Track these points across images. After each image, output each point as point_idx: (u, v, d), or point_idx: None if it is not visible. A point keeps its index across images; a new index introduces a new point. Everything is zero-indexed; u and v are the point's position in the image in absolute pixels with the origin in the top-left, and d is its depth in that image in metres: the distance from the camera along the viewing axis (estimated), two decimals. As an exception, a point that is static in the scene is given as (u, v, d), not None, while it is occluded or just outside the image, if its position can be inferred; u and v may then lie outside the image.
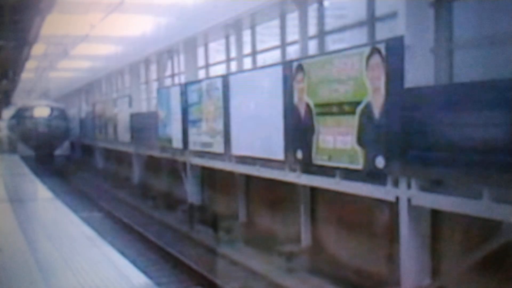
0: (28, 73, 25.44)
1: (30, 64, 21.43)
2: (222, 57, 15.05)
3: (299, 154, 8.76)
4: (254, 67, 12.71)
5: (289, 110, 9.02)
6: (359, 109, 7.34)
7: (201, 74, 16.12)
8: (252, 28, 13.12)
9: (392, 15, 7.86)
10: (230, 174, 12.36)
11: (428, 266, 7.04)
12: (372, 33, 8.84)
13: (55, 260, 6.64)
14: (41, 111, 29.38)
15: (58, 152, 28.87)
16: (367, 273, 8.43)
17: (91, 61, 26.60)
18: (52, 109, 29.91)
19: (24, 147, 28.17)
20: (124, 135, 20.22)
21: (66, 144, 29.46)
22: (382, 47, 6.98)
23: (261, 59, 12.95)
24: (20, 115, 29.58)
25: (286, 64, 9.32)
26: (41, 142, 28.28)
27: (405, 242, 6.99)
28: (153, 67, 20.53)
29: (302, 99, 8.66)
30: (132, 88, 22.07)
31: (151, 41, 17.65)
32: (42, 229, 8.52)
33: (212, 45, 16.00)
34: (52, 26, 15.12)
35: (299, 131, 8.76)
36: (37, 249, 7.13)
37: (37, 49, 17.79)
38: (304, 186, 9.69)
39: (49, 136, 28.70)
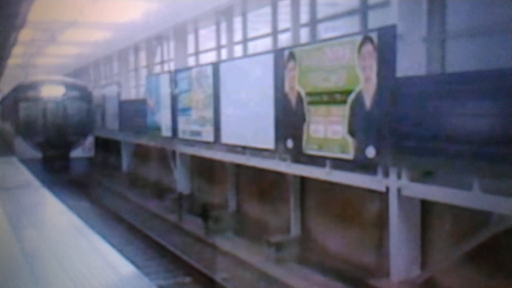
0: (15, 59, 25.05)
1: (17, 50, 21.13)
2: (213, 44, 14.89)
3: (290, 144, 8.69)
4: (245, 55, 12.58)
5: (280, 98, 8.93)
6: (350, 98, 7.27)
7: (191, 61, 15.96)
8: (243, 15, 12.96)
9: (385, 4, 7.78)
10: (220, 163, 12.27)
11: (417, 257, 7.03)
12: (364, 22, 8.75)
13: (38, 244, 6.54)
14: (52, 90, 18.83)
15: (76, 153, 18.69)
16: (357, 263, 8.42)
17: (79, 47, 26.27)
18: (68, 86, 19.14)
19: (25, 146, 18.16)
20: (113, 123, 20.05)
21: (90, 140, 19.03)
22: (374, 35, 6.90)
23: (252, 46, 12.82)
24: (19, 96, 18.95)
25: (277, 52, 9.21)
26: (52, 138, 18.37)
27: (395, 233, 6.97)
28: (143, 54, 20.31)
29: (293, 88, 8.57)
30: (121, 75, 21.84)
31: (141, 27, 17.43)
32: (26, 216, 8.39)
33: (202, 32, 15.83)
34: (39, 11, 14.85)
35: (289, 120, 8.68)
36: (23, 238, 7.02)
37: (25, 35, 17.51)
38: (294, 176, 9.63)
39: (64, 128, 18.63)
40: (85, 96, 19.50)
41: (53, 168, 17.93)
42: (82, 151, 18.86)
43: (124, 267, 5.83)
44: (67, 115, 18.86)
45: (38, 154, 18.17)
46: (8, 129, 22.32)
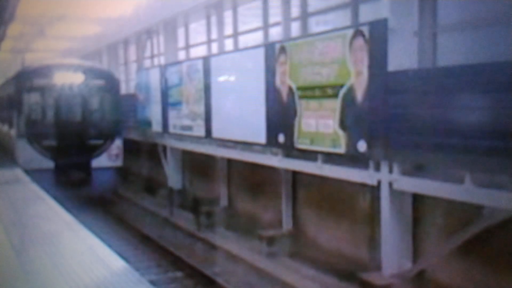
0: (3, 54, 24.79)
1: (5, 45, 20.89)
2: (203, 38, 14.81)
3: (281, 138, 8.66)
4: (236, 49, 12.52)
5: (271, 93, 8.90)
6: (341, 92, 7.26)
7: (181, 55, 15.87)
8: (234, 8, 12.89)
9: (376, -3, 7.75)
10: (211, 158, 12.23)
11: (409, 250, 7.05)
12: (355, 15, 8.73)
13: (29, 240, 6.49)
14: (68, 77, 14.10)
15: (100, 161, 14.15)
16: (349, 257, 8.43)
17: (68, 42, 26.05)
18: (89, 73, 14.41)
19: (31, 152, 13.57)
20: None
21: (117, 145, 14.42)
22: (365, 29, 6.88)
23: (243, 40, 12.76)
24: (23, 86, 14.07)
25: (268, 46, 9.17)
26: (68, 142, 13.83)
27: (386, 226, 6.98)
28: (132, 48, 20.16)
29: (284, 82, 8.54)
30: (110, 69, 21.70)
31: (130, 21, 17.30)
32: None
33: (192, 26, 15.73)
34: (28, 5, 14.68)
35: (281, 114, 8.65)
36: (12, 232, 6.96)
37: (13, 29, 17.31)
38: (286, 170, 9.62)
39: (83, 127, 14.11)
40: (111, 85, 14.58)
41: (68, 182, 13.30)
42: (107, 159, 14.09)
43: (115, 262, 5.80)
44: (88, 110, 14.16)
45: (48, 163, 13.36)
46: (6, 130, 17.03)
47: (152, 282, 6.23)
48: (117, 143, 14.40)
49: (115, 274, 5.42)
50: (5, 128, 17.56)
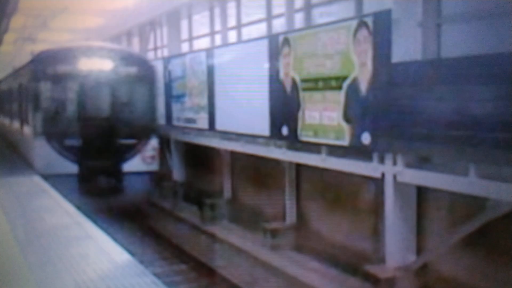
0: (6, 46, 24.79)
1: (8, 37, 20.88)
2: (206, 30, 14.76)
3: (285, 130, 8.63)
4: (239, 41, 12.47)
5: (275, 85, 8.86)
6: (345, 84, 7.22)
7: (185, 47, 15.82)
8: (237, 0, 12.83)
9: (380, -12, 7.69)
10: (215, 150, 12.21)
11: (413, 243, 7.03)
12: (359, 7, 8.67)
13: (32, 232, 6.51)
14: (95, 63, 11.75)
15: (132, 165, 11.77)
16: (352, 250, 8.42)
17: (71, 34, 26.02)
18: (121, 58, 12.01)
19: (50, 153, 11.31)
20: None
21: (153, 145, 12.11)
22: (369, 20, 6.83)
23: (247, 32, 12.71)
24: (40, 73, 11.72)
25: (272, 38, 9.12)
26: (95, 141, 11.50)
27: (390, 219, 6.96)
28: (136, 40, 20.12)
29: (288, 74, 8.50)
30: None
31: (133, 13, 17.25)
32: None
33: (196, 18, 15.68)
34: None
35: (284, 106, 8.62)
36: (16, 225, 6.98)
37: (16, 21, 17.29)
38: (290, 163, 9.60)
39: (113, 124, 11.72)
40: (147, 73, 12.19)
41: (95, 190, 11.08)
42: (141, 162, 11.68)
43: (119, 255, 5.80)
44: (119, 103, 11.71)
45: (71, 168, 11.10)
46: (17, 127, 14.69)
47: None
48: (153, 144, 11.93)
49: (119, 266, 5.43)
50: (16, 124, 15.03)
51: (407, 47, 6.93)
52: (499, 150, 5.30)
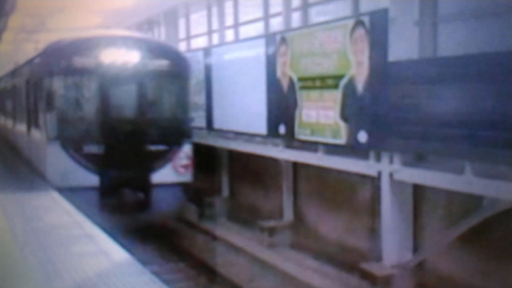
0: (5, 45, 24.74)
1: (7, 36, 20.86)
2: (204, 29, 14.77)
3: (282, 129, 8.66)
4: (237, 40, 12.48)
5: (272, 84, 8.89)
6: (342, 83, 7.25)
7: (182, 46, 15.83)
8: (235, -1, 12.85)
9: (377, -13, 7.70)
10: (213, 149, 12.23)
11: (410, 241, 7.06)
12: (356, 5, 8.69)
13: (31, 231, 6.52)
14: (121, 55, 9.78)
15: (163, 175, 9.84)
16: (349, 247, 8.45)
17: (69, 33, 25.98)
18: (150, 50, 10.10)
19: (66, 162, 9.37)
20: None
21: (186, 152, 10.13)
22: (366, 19, 6.86)
23: (244, 31, 12.73)
24: (54, 67, 9.79)
25: (269, 37, 9.15)
26: (119, 147, 9.60)
27: (387, 217, 6.99)
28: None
29: (285, 73, 8.52)
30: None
31: (131, 12, 17.24)
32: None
33: (193, 17, 15.68)
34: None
35: (282, 105, 8.64)
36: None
37: (14, 21, 17.27)
38: (287, 161, 9.63)
39: (141, 128, 9.83)
40: (180, 67, 10.22)
41: (119, 205, 9.34)
42: (172, 172, 9.80)
43: (117, 253, 5.82)
44: (147, 103, 9.90)
45: (91, 179, 9.27)
46: (24, 129, 12.60)
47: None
48: (186, 150, 9.96)
49: (117, 265, 5.45)
50: (21, 127, 13.06)
51: (403, 46, 6.95)
52: (494, 148, 5.33)
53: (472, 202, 6.02)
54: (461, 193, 5.92)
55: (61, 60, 9.66)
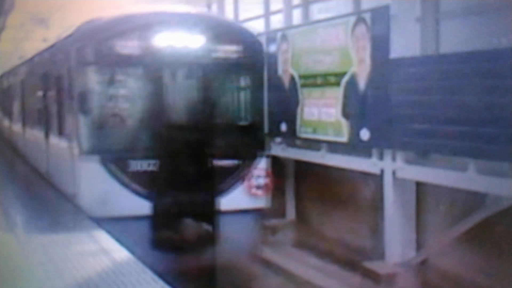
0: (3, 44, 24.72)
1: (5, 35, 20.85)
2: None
3: (283, 127, 8.63)
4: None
5: (273, 81, 8.84)
6: (344, 80, 7.21)
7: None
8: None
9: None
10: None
11: (412, 239, 7.03)
12: (357, 2, 8.65)
13: (32, 230, 6.50)
14: (178, 39, 7.05)
15: (233, 200, 7.12)
16: (352, 246, 8.42)
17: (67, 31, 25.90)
18: (218, 33, 7.26)
19: (110, 183, 6.79)
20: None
21: (262, 168, 7.38)
22: (367, 16, 6.83)
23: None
24: (89, 56, 7.05)
25: (270, 34, 9.11)
26: (177, 164, 6.94)
27: (390, 215, 6.96)
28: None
29: (286, 70, 8.49)
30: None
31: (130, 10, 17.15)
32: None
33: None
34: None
35: (283, 103, 8.61)
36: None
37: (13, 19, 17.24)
38: (289, 160, 9.59)
39: (206, 136, 7.09)
40: (255, 56, 7.60)
41: (177, 240, 7.01)
42: (245, 194, 7.37)
43: (118, 252, 5.80)
44: (215, 104, 7.48)
45: (139, 206, 6.90)
46: (35, 136, 10.51)
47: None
48: (262, 165, 7.47)
49: (118, 264, 5.42)
50: (35, 133, 10.54)
51: (405, 43, 6.92)
52: (498, 146, 5.30)
53: (476, 199, 5.99)
54: (465, 191, 5.89)
55: (98, 45, 7.06)
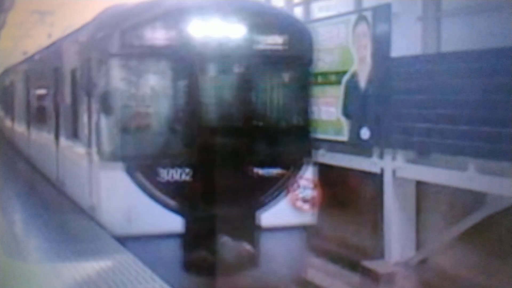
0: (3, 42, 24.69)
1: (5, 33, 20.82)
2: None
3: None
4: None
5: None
6: (344, 79, 7.19)
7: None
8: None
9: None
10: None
11: (412, 238, 7.02)
12: (358, 1, 8.62)
13: (32, 230, 6.49)
14: (215, 29, 6.02)
15: (276, 214, 6.16)
16: (351, 245, 8.41)
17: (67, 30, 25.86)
18: (263, 22, 6.24)
19: (137, 195, 5.85)
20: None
21: (308, 178, 6.36)
22: (368, 15, 6.81)
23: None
24: (113, 47, 5.93)
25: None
26: (214, 173, 5.91)
27: (390, 214, 6.95)
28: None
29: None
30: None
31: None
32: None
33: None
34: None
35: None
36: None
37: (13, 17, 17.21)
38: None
39: (247, 142, 6.25)
40: (303, 48, 6.43)
41: (212, 262, 5.96)
42: (290, 208, 6.34)
43: (118, 252, 5.79)
44: (257, 105, 6.54)
45: (170, 222, 5.95)
46: (44, 139, 9.71)
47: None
48: (308, 174, 6.48)
49: (118, 263, 5.41)
50: (45, 135, 9.71)
51: (406, 41, 6.90)
52: (498, 145, 5.28)
53: (476, 198, 5.97)
54: (465, 190, 5.87)
55: (124, 33, 6.02)
